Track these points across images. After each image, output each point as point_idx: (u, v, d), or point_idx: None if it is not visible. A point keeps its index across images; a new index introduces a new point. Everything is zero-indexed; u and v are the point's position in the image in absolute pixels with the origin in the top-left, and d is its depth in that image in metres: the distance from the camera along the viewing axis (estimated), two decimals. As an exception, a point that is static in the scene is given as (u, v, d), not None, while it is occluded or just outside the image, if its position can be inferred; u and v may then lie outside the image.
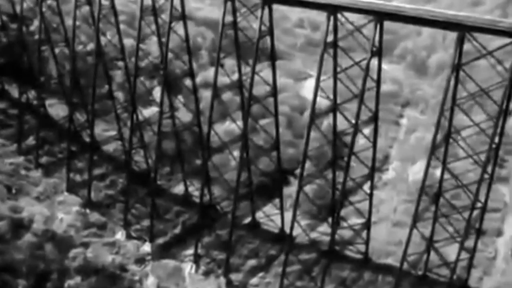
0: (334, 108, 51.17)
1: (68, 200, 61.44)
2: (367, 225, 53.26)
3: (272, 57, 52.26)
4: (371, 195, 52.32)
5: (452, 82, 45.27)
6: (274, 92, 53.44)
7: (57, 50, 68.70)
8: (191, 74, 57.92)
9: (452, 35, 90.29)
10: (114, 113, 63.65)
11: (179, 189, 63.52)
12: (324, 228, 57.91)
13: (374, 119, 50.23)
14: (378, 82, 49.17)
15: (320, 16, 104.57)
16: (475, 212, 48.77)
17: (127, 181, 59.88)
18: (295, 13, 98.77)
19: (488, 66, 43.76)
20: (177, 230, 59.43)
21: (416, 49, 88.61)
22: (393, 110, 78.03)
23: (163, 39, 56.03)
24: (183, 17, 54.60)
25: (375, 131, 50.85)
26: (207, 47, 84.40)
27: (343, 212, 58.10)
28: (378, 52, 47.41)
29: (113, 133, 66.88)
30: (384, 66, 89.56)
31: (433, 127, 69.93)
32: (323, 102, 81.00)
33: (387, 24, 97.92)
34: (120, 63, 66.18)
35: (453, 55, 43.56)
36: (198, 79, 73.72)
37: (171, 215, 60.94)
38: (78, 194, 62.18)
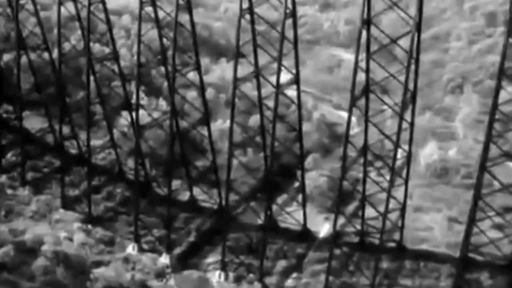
0: (367, 90, 47.20)
1: (66, 217, 54.44)
2: (401, 213, 49.75)
3: (295, 42, 47.74)
4: (406, 181, 48.77)
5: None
6: (296, 79, 48.98)
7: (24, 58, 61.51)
8: (198, 69, 52.43)
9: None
10: (106, 121, 57.24)
11: (180, 194, 57.73)
12: (344, 220, 54.23)
13: (413, 98, 46.81)
14: (417, 58, 45.68)
15: (271, 11, 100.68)
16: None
17: (134, 193, 53.76)
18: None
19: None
20: (191, 238, 53.83)
21: (379, 37, 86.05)
22: (371, 97, 75.29)
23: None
24: (189, 8, 49.39)
25: (413, 112, 47.42)
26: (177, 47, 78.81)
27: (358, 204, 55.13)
28: (418, 26, 43.89)
29: (97, 142, 60.35)
30: (351, 56, 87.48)
31: (424, 111, 68.42)
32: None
33: (345, 14, 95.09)
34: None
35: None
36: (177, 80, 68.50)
37: (180, 222, 54.96)
38: (76, 209, 55.47)
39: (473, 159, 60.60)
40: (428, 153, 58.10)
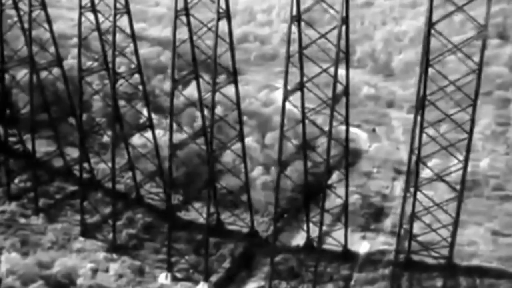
0: (423, 100, 44.13)
1: (87, 246, 48.95)
2: (454, 228, 46.64)
3: (347, 51, 44.46)
4: (461, 193, 45.63)
5: None
6: (346, 91, 45.57)
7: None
8: (235, 83, 48.25)
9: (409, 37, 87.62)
10: (124, 144, 52.19)
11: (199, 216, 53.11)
12: (383, 238, 51.17)
13: (473, 109, 44.05)
14: (480, 68, 42.88)
15: (262, 30, 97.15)
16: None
17: (164, 219, 49.02)
18: (237, 27, 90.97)
19: None
20: (226, 264, 49.29)
21: (376, 52, 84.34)
22: (379, 112, 73.11)
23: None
24: (228, 17, 45.46)
25: (472, 122, 44.71)
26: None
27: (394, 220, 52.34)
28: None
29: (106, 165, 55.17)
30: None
31: (438, 123, 66.09)
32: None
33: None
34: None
35: None
36: (182, 98, 63.97)
37: (210, 248, 49.95)
38: (96, 237, 50.18)
39: (499, 170, 58.77)
40: (457, 166, 55.34)
